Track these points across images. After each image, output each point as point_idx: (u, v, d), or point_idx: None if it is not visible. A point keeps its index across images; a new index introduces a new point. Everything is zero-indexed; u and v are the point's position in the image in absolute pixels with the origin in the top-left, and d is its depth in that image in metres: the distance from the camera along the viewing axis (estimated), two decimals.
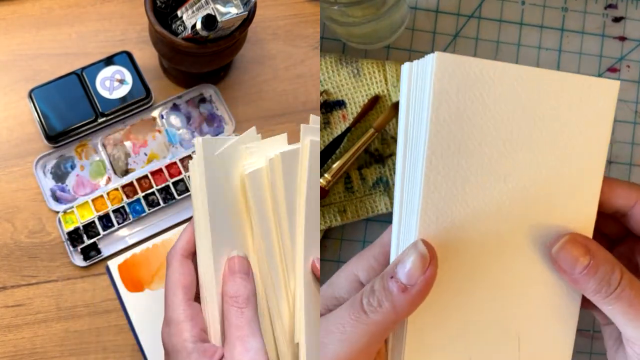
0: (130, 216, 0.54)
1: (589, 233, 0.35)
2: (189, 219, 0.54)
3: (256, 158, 0.39)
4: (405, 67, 0.33)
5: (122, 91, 0.55)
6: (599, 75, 0.52)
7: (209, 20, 0.46)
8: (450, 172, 0.32)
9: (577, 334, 0.51)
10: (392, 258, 0.35)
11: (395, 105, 0.50)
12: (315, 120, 0.41)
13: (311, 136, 0.39)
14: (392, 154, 0.50)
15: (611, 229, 0.38)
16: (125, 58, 0.56)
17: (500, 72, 0.32)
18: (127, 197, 0.54)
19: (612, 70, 0.52)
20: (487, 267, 0.33)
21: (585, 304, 0.36)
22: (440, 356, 0.33)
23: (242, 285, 0.36)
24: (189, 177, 0.53)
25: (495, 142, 0.32)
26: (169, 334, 0.35)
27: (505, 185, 0.33)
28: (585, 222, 0.34)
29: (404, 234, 0.34)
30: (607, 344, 0.37)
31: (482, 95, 0.32)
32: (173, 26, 0.51)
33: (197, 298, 0.37)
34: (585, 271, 0.32)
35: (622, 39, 0.53)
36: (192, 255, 0.38)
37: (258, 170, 0.38)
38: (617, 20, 0.53)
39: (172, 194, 0.54)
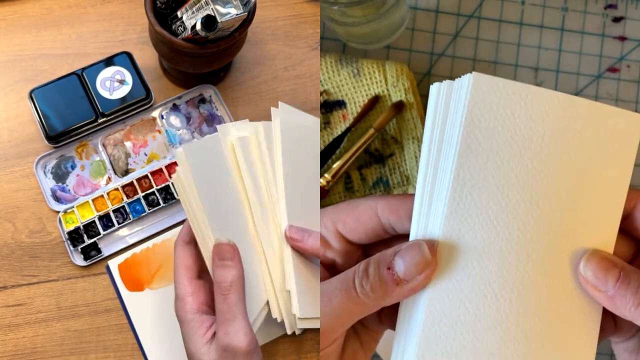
0: (131, 216, 0.54)
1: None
2: None
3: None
4: (434, 87, 0.34)
5: (122, 91, 0.55)
6: (599, 76, 0.52)
7: (209, 21, 0.46)
8: (476, 186, 0.33)
9: None
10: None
11: (395, 105, 0.50)
12: (282, 105, 0.50)
13: (281, 116, 0.48)
14: (392, 154, 0.51)
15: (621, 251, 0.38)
16: (126, 58, 0.56)
17: (532, 96, 0.33)
18: (127, 197, 0.54)
19: (612, 70, 0.52)
20: (506, 285, 0.33)
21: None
22: None
23: (225, 272, 0.40)
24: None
25: (524, 161, 0.33)
26: (176, 307, 0.42)
27: (530, 204, 0.33)
28: (605, 245, 0.34)
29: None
30: (622, 357, 0.36)
31: (514, 116, 0.33)
32: (173, 27, 0.51)
33: (203, 276, 0.43)
34: (619, 284, 0.31)
35: (622, 38, 0.53)
36: (193, 241, 0.43)
37: (245, 138, 0.46)
38: (617, 20, 0.53)
39: (172, 194, 0.54)
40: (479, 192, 0.33)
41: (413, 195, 0.35)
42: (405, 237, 0.35)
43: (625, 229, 0.36)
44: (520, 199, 0.33)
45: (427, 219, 0.33)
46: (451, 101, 0.33)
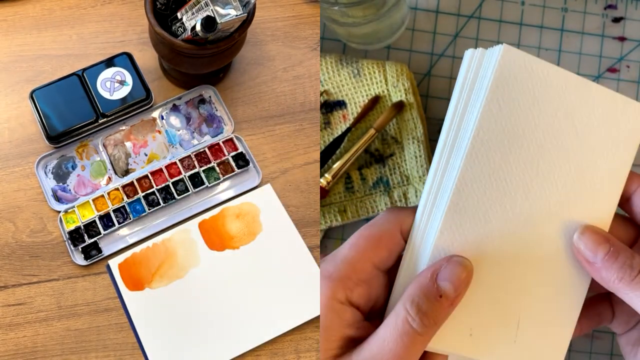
0: (131, 216, 0.54)
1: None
2: (191, 218, 0.55)
3: None
4: (468, 53, 0.36)
5: (123, 92, 0.55)
6: (599, 76, 0.52)
7: (209, 22, 0.46)
8: (492, 148, 0.35)
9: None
10: (416, 231, 0.36)
11: (396, 105, 0.50)
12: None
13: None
14: (393, 154, 0.51)
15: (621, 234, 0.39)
16: (126, 59, 0.56)
17: (553, 74, 0.35)
18: (128, 197, 0.54)
19: (612, 71, 0.52)
20: (502, 253, 0.35)
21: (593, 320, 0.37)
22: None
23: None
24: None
25: (537, 133, 0.35)
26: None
27: (537, 174, 0.35)
28: (601, 221, 0.36)
29: (436, 199, 0.35)
30: (625, 350, 0.38)
31: (534, 89, 0.35)
32: (173, 28, 0.51)
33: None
34: (607, 257, 0.34)
35: (622, 39, 0.53)
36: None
37: None
38: (616, 20, 0.53)
39: (172, 194, 0.55)
40: (493, 153, 0.35)
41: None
42: None
43: (626, 213, 0.37)
44: (528, 168, 0.35)
45: (441, 180, 0.35)
46: (481, 68, 0.35)
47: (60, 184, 0.55)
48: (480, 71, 0.35)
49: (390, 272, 0.37)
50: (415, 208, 0.37)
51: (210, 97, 0.58)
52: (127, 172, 0.56)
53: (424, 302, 0.33)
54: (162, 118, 0.57)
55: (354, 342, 0.34)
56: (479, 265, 0.34)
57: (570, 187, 0.36)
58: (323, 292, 0.34)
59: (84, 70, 0.55)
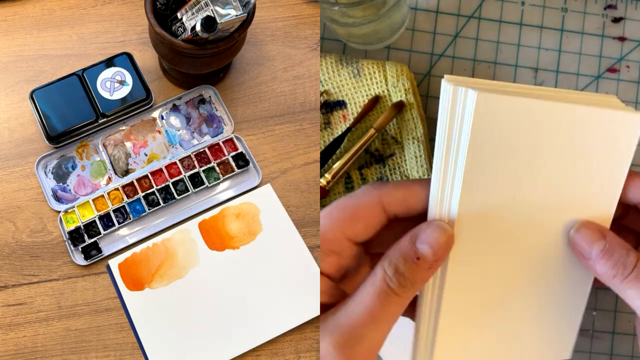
0: (131, 216, 0.54)
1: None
2: (191, 218, 0.55)
3: None
4: (444, 87, 0.34)
5: (123, 92, 0.55)
6: (598, 76, 0.52)
7: (209, 22, 0.46)
8: (485, 172, 0.34)
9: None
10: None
11: (396, 105, 0.50)
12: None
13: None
14: (393, 154, 0.51)
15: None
16: (126, 59, 0.56)
17: (531, 109, 0.34)
18: (128, 197, 0.54)
19: (612, 71, 0.52)
20: (506, 253, 0.35)
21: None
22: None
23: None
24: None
25: (526, 162, 0.34)
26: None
27: (535, 182, 0.35)
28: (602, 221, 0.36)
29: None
30: None
31: (516, 130, 0.34)
32: (173, 28, 0.51)
33: None
34: (602, 253, 0.34)
35: (622, 39, 0.53)
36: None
37: None
38: (616, 20, 0.53)
39: (172, 194, 0.55)
40: (487, 176, 0.34)
41: (414, 181, 0.36)
42: (403, 220, 0.36)
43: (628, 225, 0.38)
44: (521, 189, 0.34)
45: (446, 202, 0.34)
46: (457, 107, 0.34)
47: (60, 184, 0.55)
48: (457, 112, 0.34)
49: (366, 245, 0.37)
50: (396, 183, 0.36)
51: (210, 97, 0.58)
52: (127, 172, 0.56)
53: (401, 263, 0.33)
54: (162, 118, 0.57)
55: (327, 309, 0.35)
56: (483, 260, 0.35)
57: (568, 198, 0.35)
58: None
59: (84, 70, 0.55)
